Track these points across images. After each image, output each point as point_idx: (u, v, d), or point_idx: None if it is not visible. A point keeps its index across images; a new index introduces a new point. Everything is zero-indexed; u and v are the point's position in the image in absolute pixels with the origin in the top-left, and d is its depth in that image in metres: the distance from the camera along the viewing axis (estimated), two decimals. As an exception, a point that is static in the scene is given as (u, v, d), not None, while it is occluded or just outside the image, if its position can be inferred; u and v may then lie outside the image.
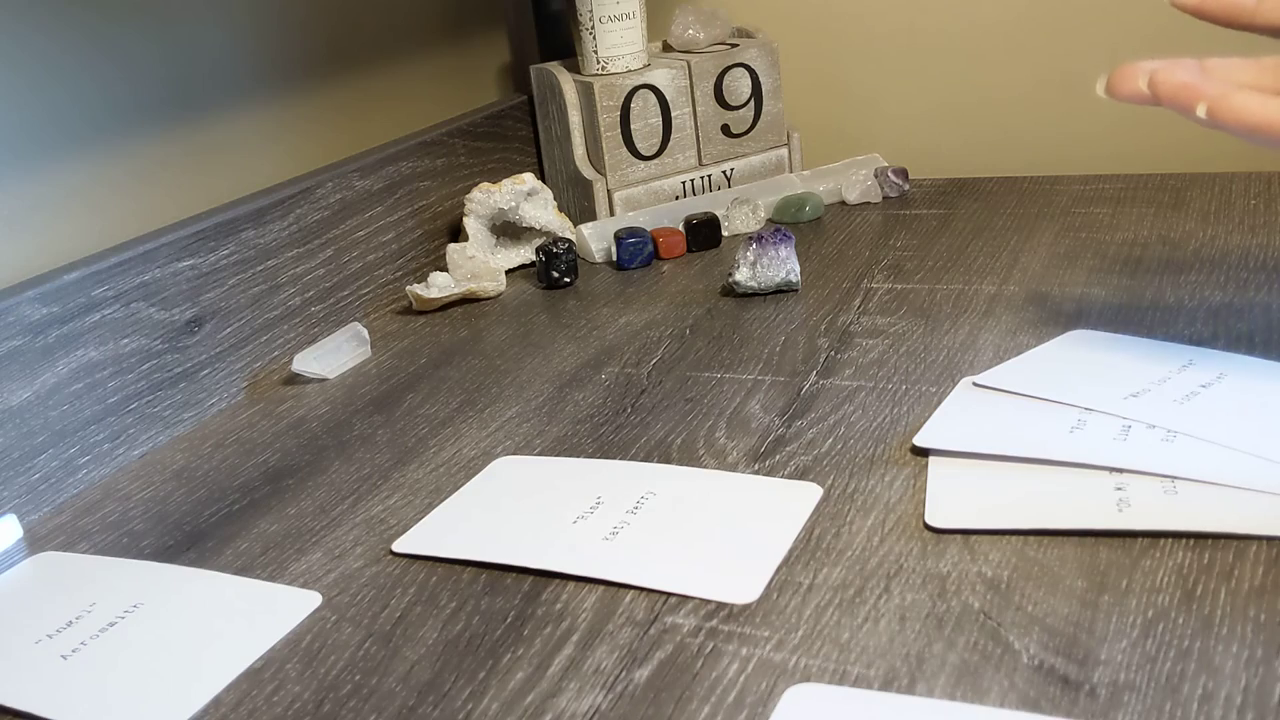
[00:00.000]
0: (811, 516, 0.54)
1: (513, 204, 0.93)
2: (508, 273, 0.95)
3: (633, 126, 0.98)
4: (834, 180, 1.01)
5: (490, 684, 0.45)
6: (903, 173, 1.01)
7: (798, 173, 1.04)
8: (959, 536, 0.50)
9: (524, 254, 0.96)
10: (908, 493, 0.54)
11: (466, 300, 0.89)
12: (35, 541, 0.61)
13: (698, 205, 0.98)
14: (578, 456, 0.62)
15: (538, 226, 0.95)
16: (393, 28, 0.99)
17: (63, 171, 0.71)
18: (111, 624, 0.52)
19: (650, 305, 0.83)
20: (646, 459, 0.61)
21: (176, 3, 0.78)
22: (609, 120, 0.97)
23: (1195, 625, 0.43)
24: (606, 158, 0.98)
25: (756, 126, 1.03)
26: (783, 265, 0.81)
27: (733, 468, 0.59)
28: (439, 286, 0.88)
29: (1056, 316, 0.71)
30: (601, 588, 0.50)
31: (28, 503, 0.64)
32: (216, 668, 0.48)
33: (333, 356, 0.79)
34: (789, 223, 0.97)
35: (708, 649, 0.46)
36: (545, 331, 0.81)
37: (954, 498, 0.53)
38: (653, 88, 0.98)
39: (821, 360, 0.70)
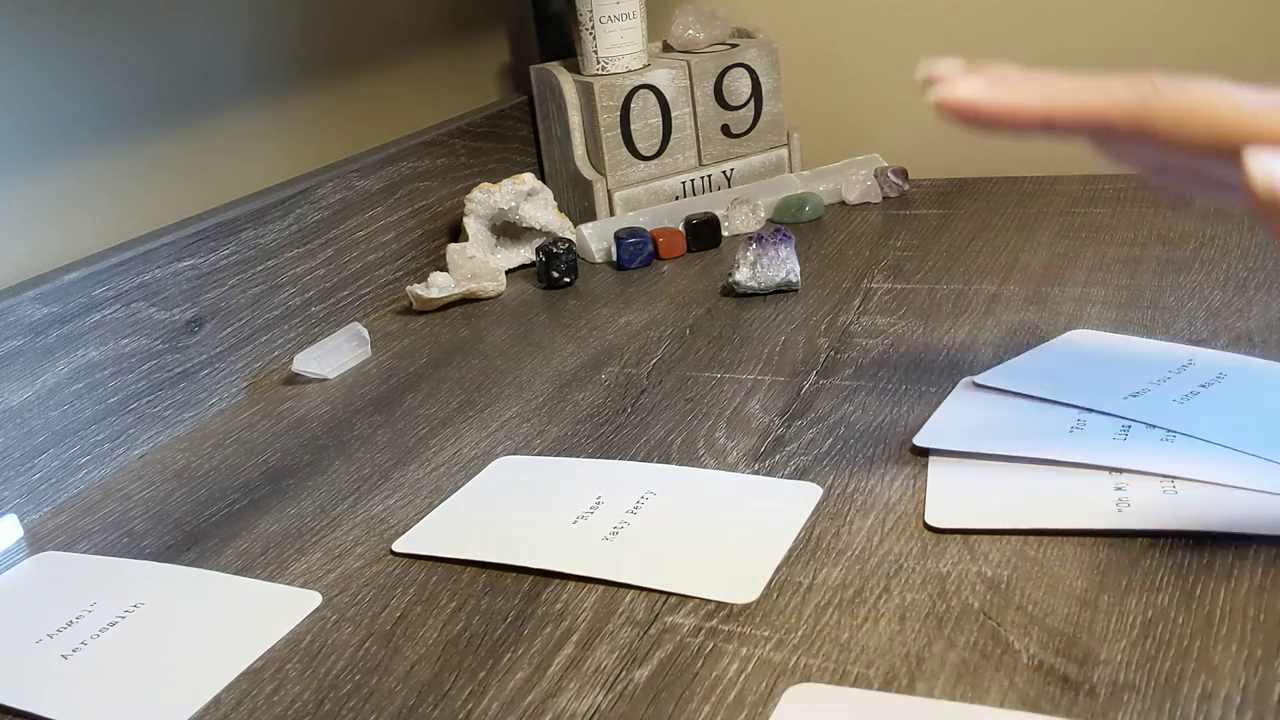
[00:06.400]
0: (811, 516, 0.54)
1: (513, 204, 0.93)
2: (508, 273, 0.95)
3: (633, 126, 0.98)
4: (834, 180, 1.01)
5: (490, 684, 0.45)
6: (903, 173, 1.01)
7: (798, 173, 1.04)
8: (959, 536, 0.50)
9: (524, 254, 0.96)
10: (908, 493, 0.55)
11: (466, 300, 0.89)
12: (36, 541, 0.62)
13: (698, 205, 0.98)
14: (578, 456, 0.62)
15: (538, 226, 0.95)
16: (393, 28, 0.99)
17: (63, 172, 0.71)
18: (111, 624, 0.52)
19: (650, 305, 0.83)
20: (646, 459, 0.61)
21: (176, 3, 0.78)
22: (609, 120, 0.97)
23: (1195, 625, 0.43)
24: (606, 158, 0.98)
25: (756, 126, 1.03)
26: (783, 265, 0.81)
27: (733, 468, 0.59)
28: (439, 286, 0.88)
29: (1056, 316, 0.71)
30: (601, 588, 0.50)
31: (28, 502, 0.64)
32: (216, 668, 0.48)
33: (333, 356, 0.79)
34: (789, 223, 0.97)
35: (708, 649, 0.46)
36: (545, 331, 0.81)
37: (954, 498, 0.53)
38: (653, 88, 0.98)
39: (821, 360, 0.70)
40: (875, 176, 1.01)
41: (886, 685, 0.42)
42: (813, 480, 0.57)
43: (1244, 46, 0.98)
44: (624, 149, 0.98)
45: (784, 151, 1.06)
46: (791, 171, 1.06)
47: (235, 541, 0.58)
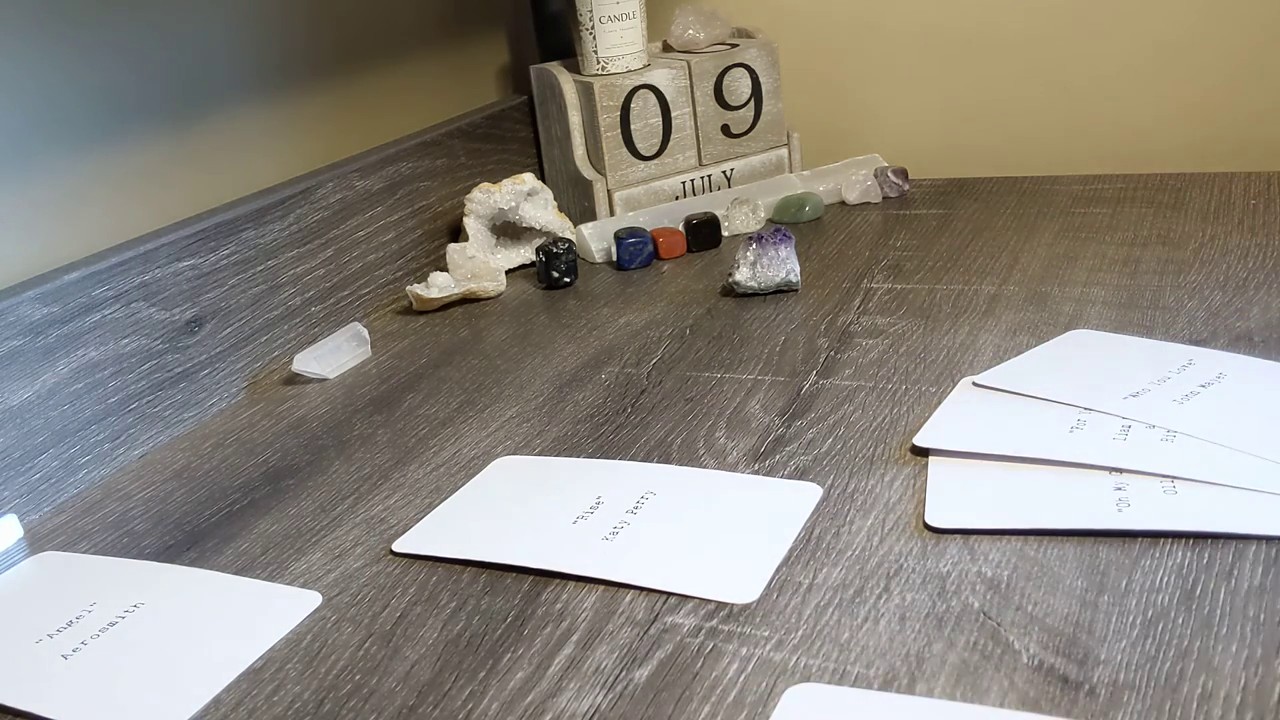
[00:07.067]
0: (811, 516, 0.54)
1: (513, 204, 0.93)
2: (508, 273, 0.95)
3: (633, 126, 0.98)
4: (834, 180, 1.01)
5: (490, 684, 0.45)
6: (902, 173, 1.01)
7: (798, 173, 1.04)
8: (959, 536, 0.50)
9: (524, 254, 0.96)
10: (908, 493, 0.55)
11: (466, 300, 0.89)
12: (36, 541, 0.62)
13: (698, 205, 0.98)
14: (578, 456, 0.62)
15: (538, 226, 0.95)
16: (393, 28, 0.99)
17: (63, 172, 0.71)
18: (111, 624, 0.52)
19: (650, 305, 0.84)
20: (646, 459, 0.61)
21: (177, 3, 0.78)
22: (609, 120, 0.97)
23: (1195, 625, 0.43)
24: (606, 158, 0.98)
25: (756, 126, 1.03)
26: (783, 265, 0.81)
27: (733, 468, 0.59)
28: (439, 286, 0.88)
29: (1056, 316, 0.71)
30: (601, 588, 0.50)
31: (28, 502, 0.64)
32: (216, 668, 0.48)
33: (333, 356, 0.79)
34: (789, 223, 0.97)
35: (708, 649, 0.46)
36: (545, 331, 0.81)
37: (954, 498, 0.53)
38: (653, 88, 0.98)
39: (821, 360, 0.70)
40: (875, 176, 1.01)
41: (886, 685, 0.42)
42: (813, 480, 0.57)
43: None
44: (624, 149, 0.98)
45: (784, 151, 1.06)
46: (791, 171, 1.06)
47: (235, 541, 0.58)
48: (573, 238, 0.95)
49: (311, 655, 0.49)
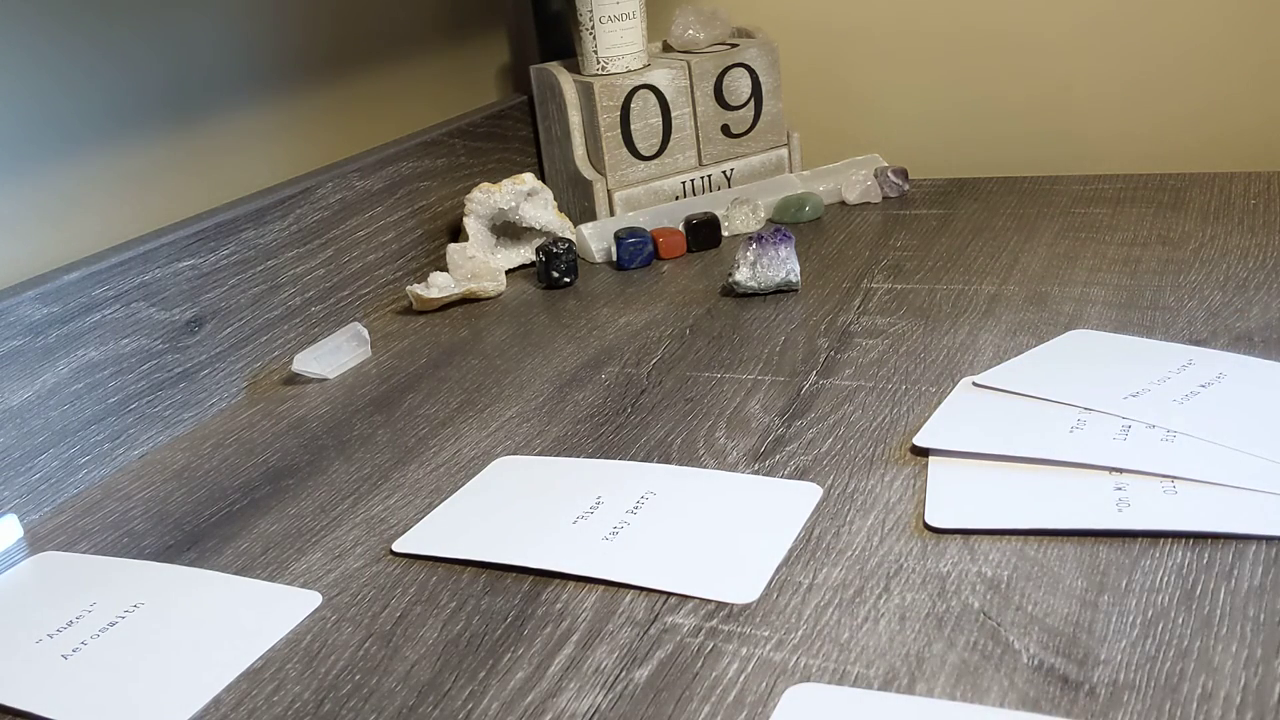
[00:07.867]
0: (811, 516, 0.54)
1: (513, 204, 0.93)
2: (508, 273, 0.95)
3: (633, 126, 0.98)
4: (834, 180, 1.01)
5: (490, 684, 0.45)
6: (903, 173, 1.01)
7: (798, 173, 1.04)
8: (959, 536, 0.50)
9: (524, 254, 0.96)
10: (908, 493, 0.55)
11: (466, 300, 0.89)
12: (36, 541, 0.62)
13: (698, 205, 0.98)
14: (578, 456, 0.62)
15: (538, 226, 0.95)
16: (393, 28, 0.99)
17: (63, 172, 0.71)
18: (112, 624, 0.52)
19: (650, 305, 0.84)
20: (646, 459, 0.61)
21: (176, 3, 0.78)
22: (609, 120, 0.97)
23: (1195, 625, 0.43)
24: (606, 158, 0.98)
25: (756, 126, 1.03)
26: (783, 265, 0.81)
27: (733, 468, 0.59)
28: (439, 286, 0.88)
29: (1056, 316, 0.71)
30: (601, 588, 0.50)
31: (28, 503, 0.64)
32: (216, 668, 0.48)
33: (333, 356, 0.79)
34: (789, 223, 0.97)
35: (708, 649, 0.46)
36: (545, 331, 0.81)
37: (954, 498, 0.53)
38: (653, 88, 0.98)
39: (821, 360, 0.70)
40: (875, 176, 1.01)
41: (886, 685, 0.42)
42: (813, 480, 0.57)
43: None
44: (624, 149, 0.98)
45: (784, 151, 1.06)
46: (791, 171, 1.06)
47: (235, 541, 0.59)
48: (573, 238, 0.95)
49: (311, 655, 0.49)
